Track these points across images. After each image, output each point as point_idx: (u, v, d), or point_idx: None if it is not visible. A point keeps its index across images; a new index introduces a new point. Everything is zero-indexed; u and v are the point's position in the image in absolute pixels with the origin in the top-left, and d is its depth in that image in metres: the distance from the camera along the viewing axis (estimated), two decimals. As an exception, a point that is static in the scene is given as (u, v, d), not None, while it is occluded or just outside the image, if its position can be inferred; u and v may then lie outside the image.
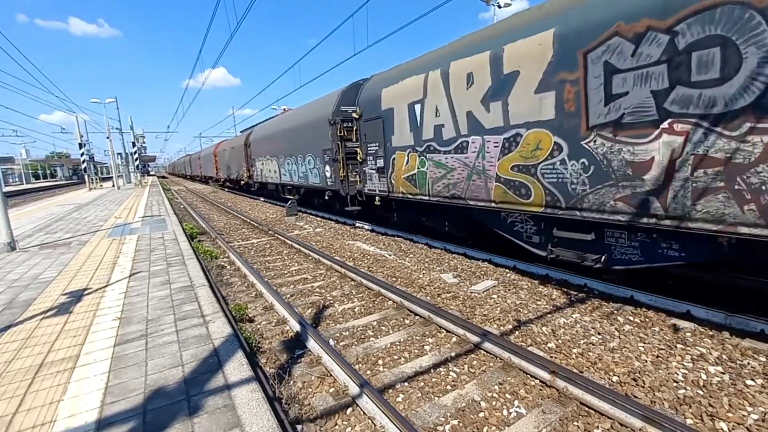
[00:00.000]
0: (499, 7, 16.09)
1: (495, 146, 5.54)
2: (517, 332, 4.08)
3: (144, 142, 43.40)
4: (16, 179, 65.02)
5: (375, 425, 2.74)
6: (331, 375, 3.41)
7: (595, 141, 4.29)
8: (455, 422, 2.78)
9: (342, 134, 9.54)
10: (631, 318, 4.25)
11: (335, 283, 6.06)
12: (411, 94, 7.13)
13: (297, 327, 4.28)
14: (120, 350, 3.22)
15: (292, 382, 3.33)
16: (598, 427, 2.66)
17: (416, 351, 3.83)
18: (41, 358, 3.13)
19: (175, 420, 2.30)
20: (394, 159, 8.01)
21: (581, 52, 4.27)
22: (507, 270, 6.13)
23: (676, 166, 3.70)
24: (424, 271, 6.35)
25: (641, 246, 4.42)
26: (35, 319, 3.97)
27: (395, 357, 3.74)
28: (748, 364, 3.29)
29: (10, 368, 3.00)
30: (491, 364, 3.54)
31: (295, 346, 4.00)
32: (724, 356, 3.43)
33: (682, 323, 4.03)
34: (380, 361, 3.67)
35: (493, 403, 2.98)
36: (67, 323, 3.83)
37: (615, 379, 3.19)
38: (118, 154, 33.33)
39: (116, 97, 28.19)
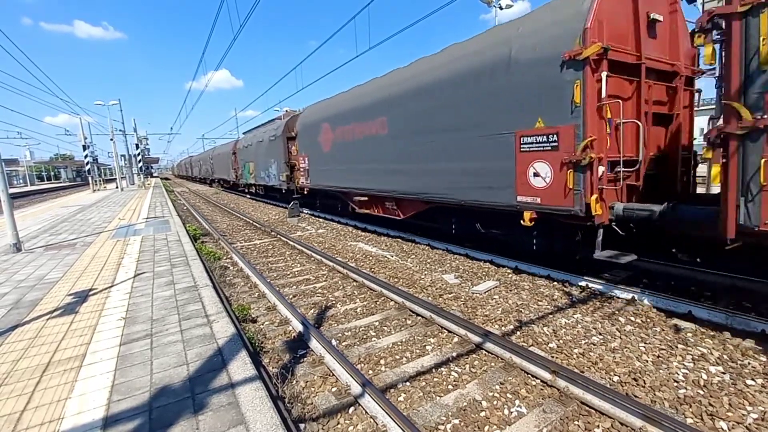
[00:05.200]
0: (500, 8, 16.13)
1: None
2: (518, 332, 4.10)
3: (147, 144, 43.65)
4: (21, 181, 65.45)
5: (377, 424, 2.76)
6: (333, 375, 3.44)
7: None
8: (456, 421, 2.81)
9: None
10: (632, 318, 4.27)
11: (337, 283, 6.10)
12: None
13: (299, 327, 4.31)
14: (125, 349, 3.26)
15: (294, 381, 3.36)
16: (598, 426, 2.68)
17: (418, 351, 3.86)
18: (48, 357, 3.18)
19: (181, 417, 2.34)
20: None
21: None
22: (509, 270, 6.14)
23: None
24: (426, 272, 6.37)
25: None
26: (42, 318, 4.02)
27: (397, 357, 3.76)
28: (749, 364, 3.30)
29: (18, 367, 3.05)
30: (492, 364, 3.56)
31: (297, 346, 4.04)
32: (725, 356, 3.44)
33: (684, 323, 4.04)
34: (382, 361, 3.69)
35: (494, 402, 3.01)
36: (73, 323, 3.87)
37: (616, 378, 3.21)
38: (122, 155, 33.55)
39: (120, 99, 28.44)
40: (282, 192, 15.32)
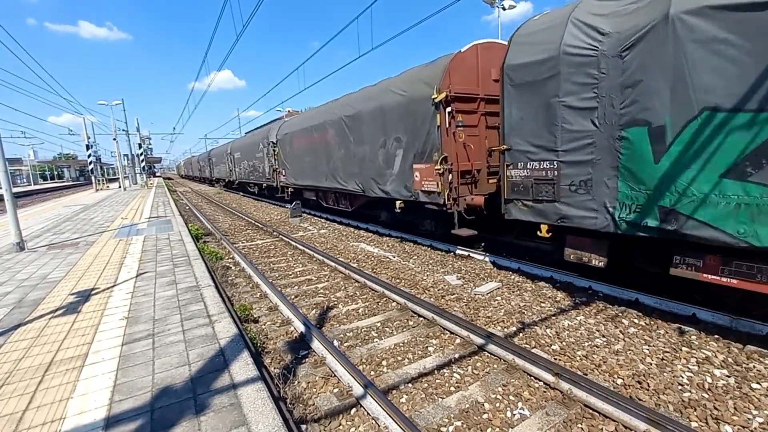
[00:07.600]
0: (504, 9, 16.11)
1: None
2: (521, 334, 4.08)
3: (150, 144, 43.78)
4: (24, 180, 65.80)
5: (379, 426, 2.75)
6: (335, 375, 3.43)
7: None
8: (459, 423, 2.79)
9: None
10: (636, 321, 4.24)
11: (339, 284, 6.09)
12: None
13: (301, 328, 4.30)
14: (127, 349, 3.26)
15: (296, 382, 3.35)
16: (602, 429, 2.66)
17: (420, 352, 3.85)
18: (50, 357, 3.18)
19: (183, 418, 2.34)
20: None
21: None
22: (511, 272, 6.12)
23: None
24: (428, 273, 6.36)
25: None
26: (44, 318, 4.03)
27: (399, 358, 3.75)
28: (754, 367, 3.27)
29: (20, 366, 3.05)
30: (495, 365, 3.54)
31: (299, 346, 4.03)
32: (730, 359, 3.41)
33: (688, 326, 4.01)
34: (384, 362, 3.68)
35: (497, 404, 2.99)
36: (75, 322, 3.88)
37: (619, 381, 3.19)
38: (125, 155, 33.65)
39: (123, 99, 28.56)
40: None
